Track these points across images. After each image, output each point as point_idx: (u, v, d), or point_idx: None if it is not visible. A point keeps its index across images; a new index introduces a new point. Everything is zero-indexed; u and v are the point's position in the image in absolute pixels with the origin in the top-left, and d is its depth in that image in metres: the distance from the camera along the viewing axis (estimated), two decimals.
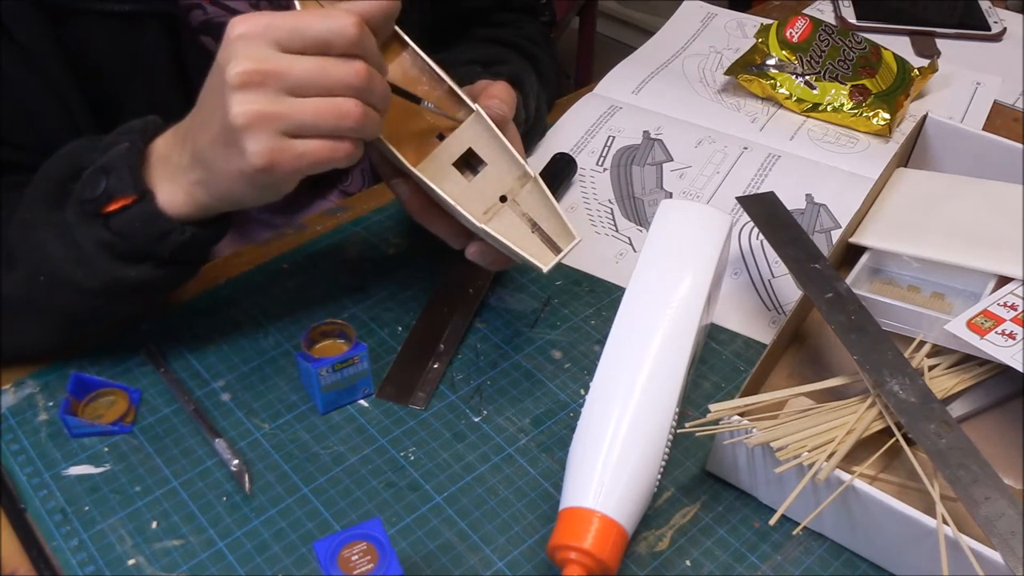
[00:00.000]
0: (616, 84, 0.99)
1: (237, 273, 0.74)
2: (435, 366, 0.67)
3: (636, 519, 0.53)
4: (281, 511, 0.58)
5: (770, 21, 1.01)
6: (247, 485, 0.59)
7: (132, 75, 0.69)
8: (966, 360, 0.64)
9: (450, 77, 0.60)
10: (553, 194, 0.60)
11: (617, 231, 0.81)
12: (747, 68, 0.97)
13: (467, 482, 0.60)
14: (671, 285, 0.61)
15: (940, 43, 1.10)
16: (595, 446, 0.54)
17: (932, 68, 0.98)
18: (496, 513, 0.59)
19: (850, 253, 0.74)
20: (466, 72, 0.67)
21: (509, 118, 0.62)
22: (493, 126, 0.59)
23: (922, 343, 0.65)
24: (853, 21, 1.11)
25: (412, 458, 0.62)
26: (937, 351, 0.65)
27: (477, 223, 0.58)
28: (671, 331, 0.58)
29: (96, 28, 0.66)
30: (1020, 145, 0.77)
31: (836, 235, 0.80)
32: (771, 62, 0.96)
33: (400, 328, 0.70)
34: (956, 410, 0.64)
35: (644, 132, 0.91)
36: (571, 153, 0.88)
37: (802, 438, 0.57)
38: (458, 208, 0.58)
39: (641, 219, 0.82)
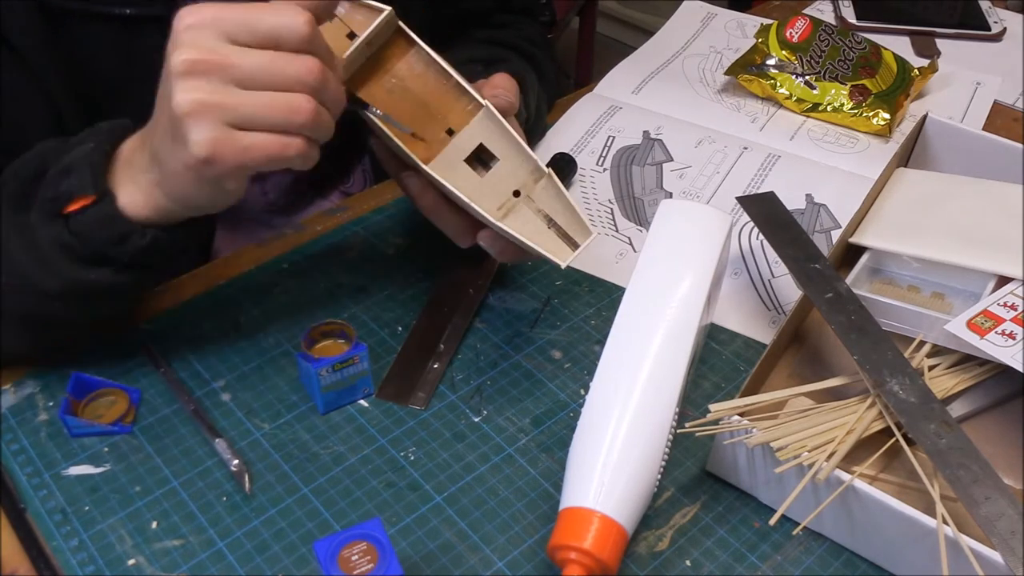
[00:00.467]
0: (616, 84, 0.99)
1: (237, 273, 0.74)
2: (435, 366, 0.67)
3: (636, 519, 0.53)
4: (281, 511, 0.58)
5: (770, 21, 1.01)
6: (247, 485, 0.59)
7: (130, 80, 0.68)
8: (966, 360, 0.64)
9: (458, 73, 0.60)
10: None
11: (617, 231, 0.81)
12: (747, 68, 0.97)
13: (467, 482, 0.60)
14: (671, 285, 0.61)
15: (940, 43, 1.10)
16: (595, 446, 0.54)
17: (932, 68, 0.98)
18: (496, 513, 0.59)
19: (850, 253, 0.74)
20: (466, 71, 0.67)
21: (515, 106, 0.62)
22: (503, 121, 0.59)
23: (922, 343, 0.65)
24: (853, 21, 1.11)
25: (412, 458, 0.62)
26: (937, 351, 0.65)
27: (494, 220, 0.58)
28: (671, 331, 0.58)
29: (94, 32, 0.65)
30: (1020, 145, 0.77)
31: (836, 235, 0.80)
32: (771, 62, 0.96)
33: (400, 328, 0.70)
34: (956, 410, 0.64)
35: (644, 132, 0.91)
36: (571, 153, 0.88)
37: (802, 438, 0.57)
38: (473, 205, 0.58)
39: (641, 219, 0.82)
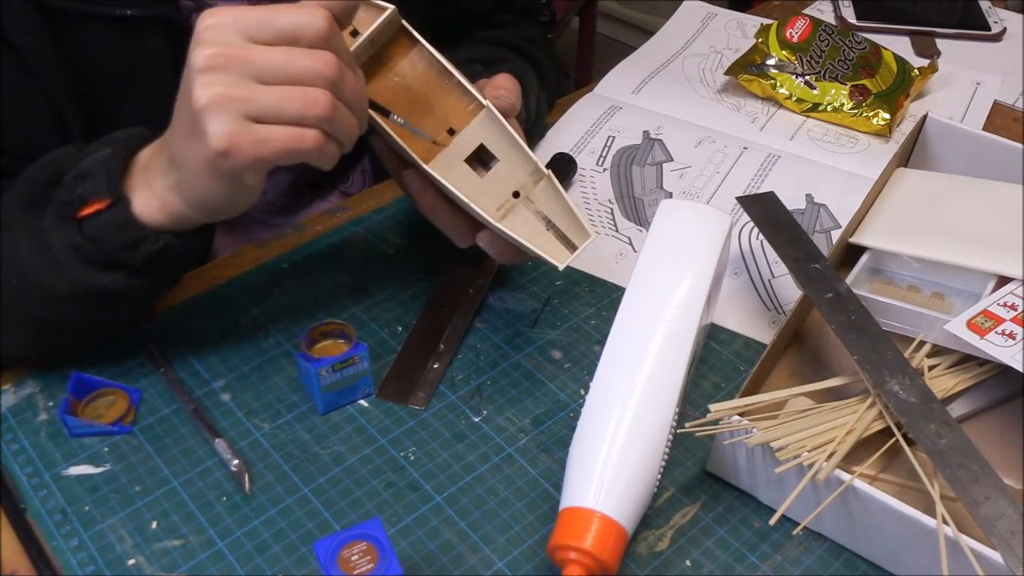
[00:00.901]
0: (616, 84, 0.99)
1: (237, 273, 0.74)
2: (435, 366, 0.67)
3: (636, 519, 0.53)
4: (281, 511, 0.58)
5: (770, 21, 1.01)
6: (247, 485, 0.59)
7: (131, 81, 0.68)
8: (966, 360, 0.64)
9: (460, 73, 0.60)
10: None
11: (617, 231, 0.81)
12: (747, 68, 0.97)
13: (467, 482, 0.60)
14: (671, 285, 0.61)
15: (940, 43, 1.10)
16: (595, 446, 0.54)
17: (932, 68, 0.98)
18: (496, 513, 0.59)
19: (850, 253, 0.74)
20: (466, 71, 0.67)
21: (517, 107, 0.62)
22: (504, 122, 0.60)
23: (922, 343, 0.65)
24: (853, 21, 1.11)
25: (412, 458, 0.62)
26: (937, 351, 0.65)
27: (493, 221, 0.59)
28: (671, 331, 0.58)
29: (96, 33, 0.65)
30: (1020, 145, 0.77)
31: (836, 235, 0.80)
32: (771, 62, 0.96)
33: (400, 328, 0.70)
34: (956, 410, 0.64)
35: (644, 132, 0.91)
36: (571, 153, 0.88)
37: (802, 438, 0.57)
38: (472, 206, 0.58)
39: (641, 219, 0.82)
